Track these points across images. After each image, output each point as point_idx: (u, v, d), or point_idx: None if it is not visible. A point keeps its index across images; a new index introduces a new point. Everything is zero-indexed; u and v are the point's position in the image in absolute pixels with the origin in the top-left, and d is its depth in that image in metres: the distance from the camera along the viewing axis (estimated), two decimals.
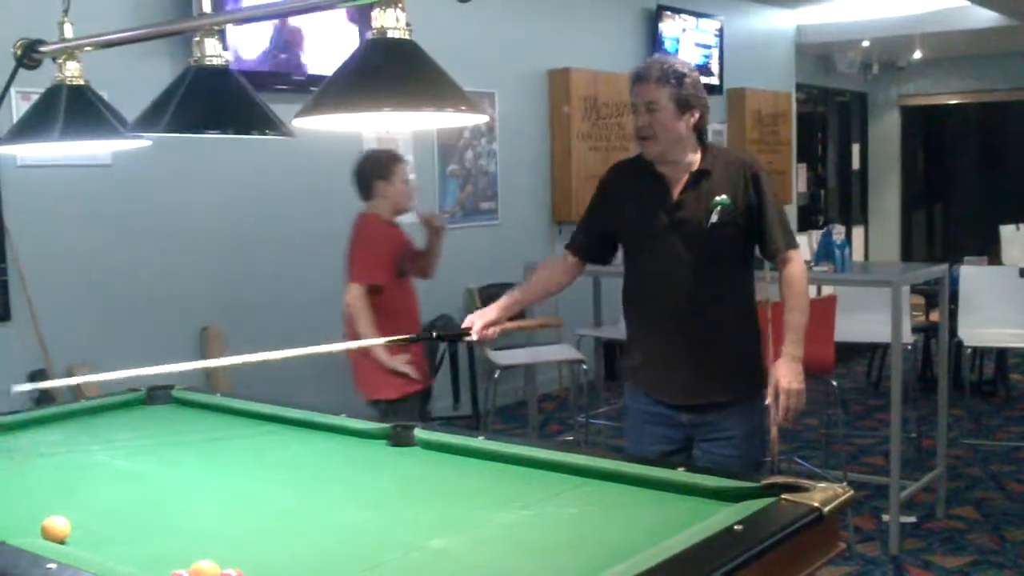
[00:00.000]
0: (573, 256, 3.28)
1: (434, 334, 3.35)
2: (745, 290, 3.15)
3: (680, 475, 2.33)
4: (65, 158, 4.51)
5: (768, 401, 3.05)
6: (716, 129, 9.41)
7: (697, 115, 3.02)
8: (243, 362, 3.06)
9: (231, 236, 5.65)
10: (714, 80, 9.21)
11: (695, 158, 3.06)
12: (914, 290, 6.54)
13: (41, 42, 2.81)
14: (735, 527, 1.93)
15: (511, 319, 3.21)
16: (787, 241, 3.09)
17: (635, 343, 3.24)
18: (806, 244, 8.14)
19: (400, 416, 3.97)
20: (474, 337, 3.14)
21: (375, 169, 4.24)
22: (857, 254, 11.93)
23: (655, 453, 3.07)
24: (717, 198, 3.01)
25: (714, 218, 3.01)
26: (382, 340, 3.17)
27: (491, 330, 3.13)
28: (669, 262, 3.06)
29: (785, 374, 3.02)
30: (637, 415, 3.23)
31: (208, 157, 5.39)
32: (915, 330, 6.37)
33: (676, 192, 3.05)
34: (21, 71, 2.80)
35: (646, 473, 2.37)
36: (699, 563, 1.77)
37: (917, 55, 11.11)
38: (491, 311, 3.14)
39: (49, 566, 1.83)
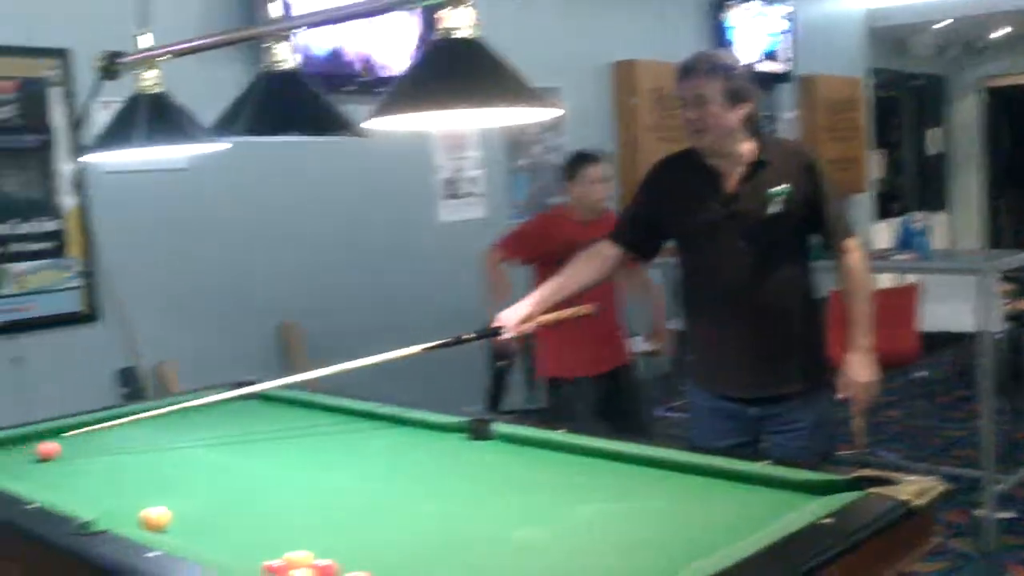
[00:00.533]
0: (617, 247, 3.22)
1: (462, 336, 3.13)
2: (805, 280, 3.11)
3: (764, 468, 2.30)
4: (143, 163, 4.59)
5: (840, 395, 3.01)
6: (787, 117, 9.27)
7: (748, 107, 2.99)
8: (332, 372, 3.08)
9: (305, 236, 5.71)
10: (784, 67, 9.08)
11: (748, 149, 3.02)
12: (1004, 277, 6.35)
13: (120, 54, 2.87)
14: (824, 520, 1.90)
15: (544, 312, 3.15)
16: (846, 230, 3.06)
17: (697, 340, 3.21)
18: (884, 233, 7.99)
19: (553, 397, 4.45)
20: (508, 335, 3.09)
21: (565, 170, 4.56)
22: (937, 242, 11.66)
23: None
24: (775, 188, 2.98)
25: (773, 208, 2.98)
26: (418, 348, 3.07)
27: (525, 326, 3.09)
28: (727, 256, 3.03)
29: (856, 367, 2.98)
30: (702, 411, 3.20)
31: (282, 159, 5.45)
32: (1007, 318, 6.17)
33: (731, 184, 3.02)
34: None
35: (729, 466, 2.35)
36: (789, 557, 1.75)
37: (998, 33, 10.79)
38: (523, 306, 3.09)
39: (149, 554, 1.90)
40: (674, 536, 2.01)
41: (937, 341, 7.52)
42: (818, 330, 3.15)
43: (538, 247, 4.39)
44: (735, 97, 2.95)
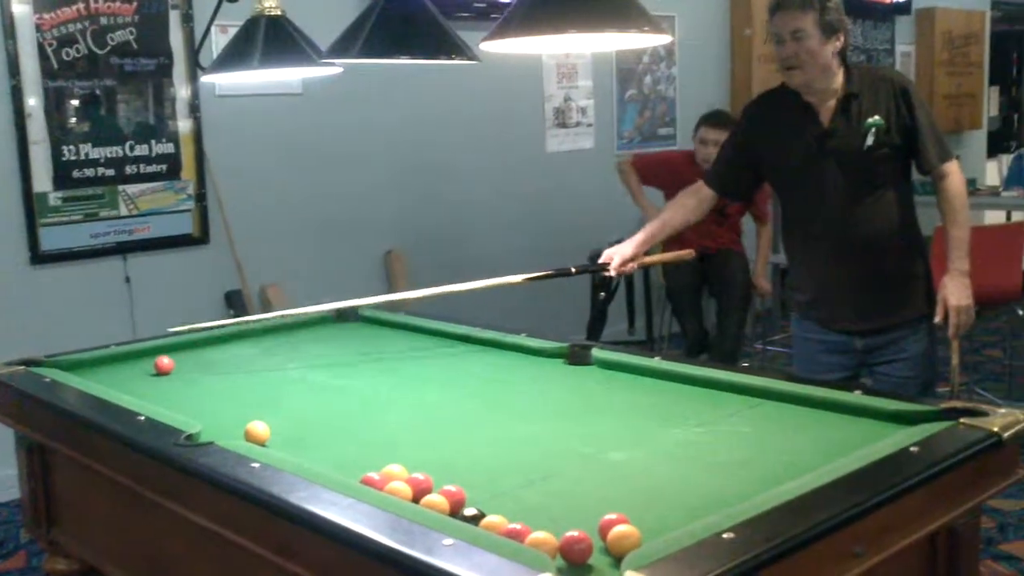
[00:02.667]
0: (709, 190, 3.26)
1: (572, 269, 3.31)
2: (906, 209, 3.08)
3: (856, 398, 2.33)
4: (258, 86, 4.71)
5: (937, 319, 3.00)
6: (903, 51, 9.01)
7: (842, 39, 2.96)
8: (434, 294, 3.22)
9: (415, 163, 5.79)
10: None
11: (840, 82, 3.00)
12: None
13: None
14: (911, 448, 1.93)
15: (646, 253, 3.30)
16: (942, 154, 3.00)
17: (801, 275, 3.23)
18: (995, 169, 7.77)
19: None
20: (612, 273, 3.22)
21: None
22: None
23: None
24: (870, 120, 2.95)
25: (869, 141, 2.95)
26: (520, 277, 3.22)
27: (629, 265, 3.21)
28: (826, 191, 3.02)
29: (953, 290, 2.96)
30: (807, 345, 3.22)
31: (393, 85, 5.53)
32: None
33: (826, 119, 3.01)
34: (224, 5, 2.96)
35: (822, 395, 2.38)
36: (873, 482, 1.79)
37: None
38: (627, 247, 3.20)
39: (253, 465, 1.99)
40: (763, 460, 2.06)
41: None
42: (924, 261, 3.14)
43: (663, 178, 5.06)
44: (829, 29, 2.92)
